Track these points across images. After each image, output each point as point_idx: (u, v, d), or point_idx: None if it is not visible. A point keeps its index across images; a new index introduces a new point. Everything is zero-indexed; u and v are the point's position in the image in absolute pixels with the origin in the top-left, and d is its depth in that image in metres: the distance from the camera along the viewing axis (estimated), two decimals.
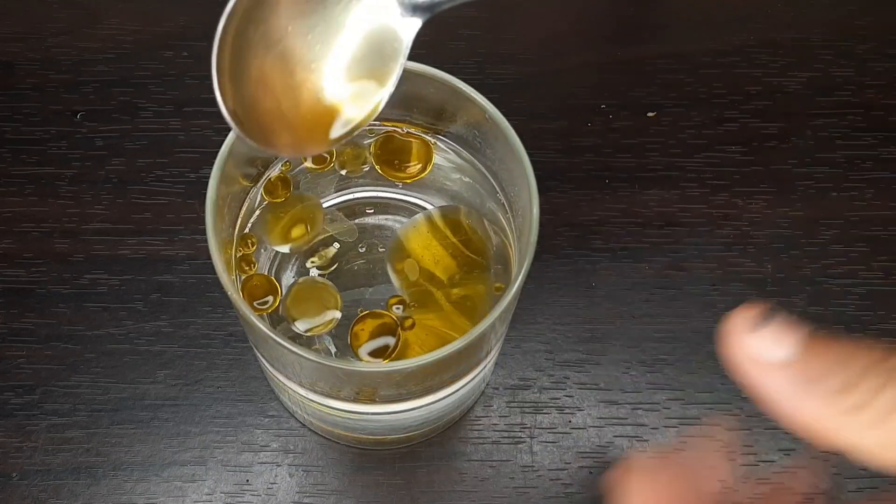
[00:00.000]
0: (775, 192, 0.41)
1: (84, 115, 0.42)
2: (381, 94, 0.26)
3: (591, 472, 0.36)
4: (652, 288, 0.39)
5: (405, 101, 0.30)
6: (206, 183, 0.41)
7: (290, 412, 0.36)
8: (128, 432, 0.36)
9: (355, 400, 0.29)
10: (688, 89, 0.43)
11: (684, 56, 0.44)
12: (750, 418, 0.37)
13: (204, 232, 0.40)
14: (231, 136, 0.28)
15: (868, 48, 0.44)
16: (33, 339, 0.38)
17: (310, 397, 0.29)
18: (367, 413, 0.30)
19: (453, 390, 0.30)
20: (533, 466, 0.36)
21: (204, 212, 0.40)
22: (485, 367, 0.31)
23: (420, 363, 0.25)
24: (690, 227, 0.40)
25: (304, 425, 0.36)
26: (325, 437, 0.36)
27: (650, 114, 0.43)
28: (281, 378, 0.30)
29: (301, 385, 0.29)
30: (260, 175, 0.31)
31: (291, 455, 0.36)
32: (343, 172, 0.32)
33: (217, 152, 0.41)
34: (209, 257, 0.40)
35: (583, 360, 0.38)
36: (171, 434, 0.36)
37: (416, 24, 0.27)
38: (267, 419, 0.36)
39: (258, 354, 0.31)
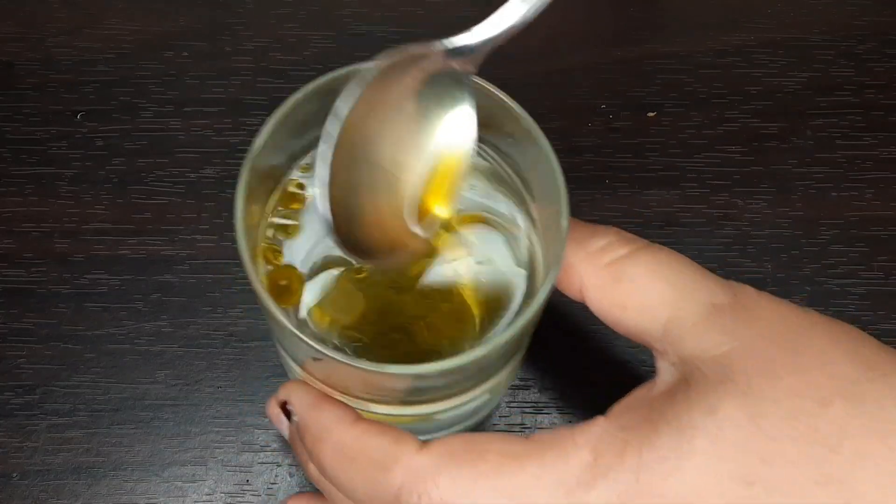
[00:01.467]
0: (775, 192, 0.41)
1: (84, 115, 0.42)
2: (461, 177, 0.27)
3: None
4: None
5: None
6: (207, 183, 0.41)
7: None
8: (128, 432, 0.36)
9: (382, 402, 0.28)
10: (688, 89, 0.43)
11: (684, 56, 0.44)
12: None
13: (205, 232, 0.40)
14: (267, 128, 0.27)
15: (868, 48, 0.44)
16: (33, 339, 0.38)
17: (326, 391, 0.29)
18: (390, 415, 0.30)
19: (470, 398, 0.29)
20: None
21: (204, 211, 0.40)
22: (505, 373, 0.31)
23: (439, 368, 0.25)
24: (690, 227, 0.40)
25: None
26: None
27: (650, 114, 0.43)
28: (302, 374, 0.29)
29: (316, 379, 0.29)
30: (287, 167, 0.30)
31: (292, 455, 0.36)
32: None
33: (217, 152, 0.41)
34: (209, 257, 0.40)
35: (583, 360, 0.38)
36: (172, 434, 0.36)
37: (469, 79, 0.27)
38: (267, 419, 0.36)
39: (282, 353, 0.31)
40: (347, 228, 0.25)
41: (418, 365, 0.25)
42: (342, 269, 0.30)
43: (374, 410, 0.29)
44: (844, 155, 0.42)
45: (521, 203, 0.30)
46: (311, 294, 0.29)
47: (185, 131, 0.42)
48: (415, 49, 0.25)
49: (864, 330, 0.38)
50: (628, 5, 0.46)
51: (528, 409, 0.37)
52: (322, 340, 0.29)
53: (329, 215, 0.24)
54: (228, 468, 0.36)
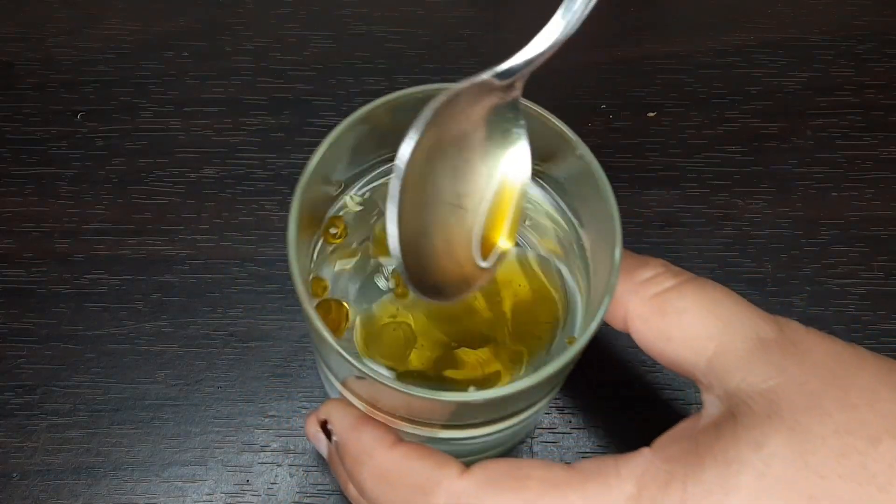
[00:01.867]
0: (775, 192, 0.41)
1: (84, 115, 0.42)
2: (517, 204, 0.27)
3: None
4: None
5: None
6: (207, 183, 0.41)
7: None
8: (128, 432, 0.36)
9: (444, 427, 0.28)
10: (688, 89, 0.43)
11: (684, 56, 0.44)
12: None
13: (205, 232, 0.40)
14: (316, 156, 0.27)
15: (868, 48, 0.44)
16: (33, 339, 0.38)
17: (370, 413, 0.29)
18: (429, 437, 0.29)
19: (506, 426, 0.29)
20: None
21: (204, 211, 0.40)
22: (546, 399, 0.31)
23: (484, 397, 0.25)
24: (690, 227, 0.40)
25: None
26: None
27: (650, 114, 0.43)
28: (344, 393, 0.29)
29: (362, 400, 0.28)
30: (335, 197, 0.30)
31: (292, 455, 0.36)
32: None
33: (217, 152, 0.41)
34: (209, 257, 0.40)
35: (583, 360, 0.38)
36: (172, 434, 0.36)
37: (520, 105, 0.27)
38: (267, 419, 0.36)
39: (325, 371, 0.30)
40: (420, 270, 0.25)
41: (465, 393, 0.25)
42: (388, 303, 0.29)
43: (414, 433, 0.28)
44: (844, 155, 0.42)
45: (573, 230, 0.30)
46: (359, 327, 0.29)
47: (185, 131, 0.42)
48: (463, 84, 0.25)
49: (864, 330, 0.38)
50: (628, 5, 0.46)
51: None
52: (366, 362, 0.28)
53: (402, 264, 0.24)
54: (228, 468, 0.36)
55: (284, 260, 0.39)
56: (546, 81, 0.44)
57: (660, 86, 0.43)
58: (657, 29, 0.45)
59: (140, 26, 0.44)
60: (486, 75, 0.25)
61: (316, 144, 0.44)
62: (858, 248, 0.40)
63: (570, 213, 0.30)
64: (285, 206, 0.40)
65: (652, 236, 0.40)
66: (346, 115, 0.43)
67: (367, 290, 0.30)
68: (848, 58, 0.44)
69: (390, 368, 0.29)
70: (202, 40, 0.44)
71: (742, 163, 0.42)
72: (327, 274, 0.30)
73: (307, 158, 0.42)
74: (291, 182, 0.41)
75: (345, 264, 0.30)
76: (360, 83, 0.43)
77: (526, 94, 0.28)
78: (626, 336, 0.28)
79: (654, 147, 0.42)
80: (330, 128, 0.45)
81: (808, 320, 0.38)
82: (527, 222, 0.31)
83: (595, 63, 0.44)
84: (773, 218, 0.41)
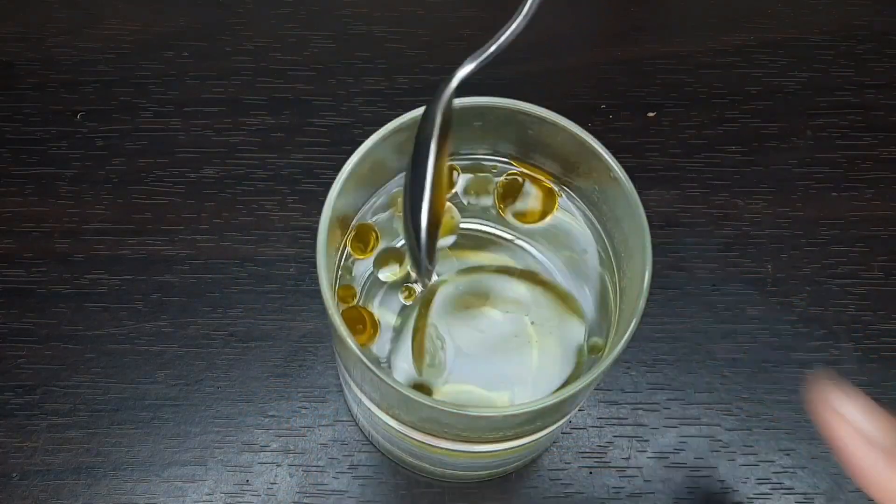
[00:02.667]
0: (775, 192, 0.41)
1: (84, 115, 0.42)
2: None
3: (590, 472, 0.36)
4: (652, 288, 0.39)
5: (534, 147, 0.29)
6: (207, 183, 0.41)
7: (353, 416, 0.36)
8: (128, 432, 0.36)
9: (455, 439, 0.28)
10: (688, 89, 0.43)
11: (684, 56, 0.44)
12: (750, 418, 0.37)
13: (205, 232, 0.40)
14: (350, 163, 0.27)
15: (868, 48, 0.44)
16: (33, 339, 0.38)
17: (388, 422, 0.29)
18: (465, 452, 0.30)
19: (532, 439, 0.29)
20: (533, 466, 0.36)
21: (204, 211, 0.40)
22: (571, 414, 0.31)
23: (507, 413, 0.25)
24: (690, 227, 0.40)
25: (368, 439, 0.36)
26: (385, 455, 0.36)
27: (650, 114, 0.43)
28: (372, 408, 0.29)
29: (379, 407, 0.28)
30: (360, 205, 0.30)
31: (291, 455, 0.36)
32: (465, 202, 0.31)
33: (217, 152, 0.41)
34: (209, 257, 0.40)
35: None
36: (172, 434, 0.36)
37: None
38: (267, 419, 0.37)
39: (346, 376, 0.30)
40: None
41: (490, 408, 0.25)
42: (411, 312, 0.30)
43: (444, 447, 0.29)
44: (844, 155, 0.42)
45: (604, 251, 0.30)
46: (386, 337, 0.29)
47: (185, 131, 0.42)
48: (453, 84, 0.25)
49: (864, 330, 0.38)
50: (628, 5, 0.46)
51: None
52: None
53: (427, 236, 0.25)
54: (228, 468, 0.36)
55: (284, 260, 0.39)
56: (546, 81, 0.44)
57: (660, 86, 0.43)
58: (657, 29, 0.45)
59: (140, 26, 0.44)
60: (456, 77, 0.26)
61: (316, 144, 0.44)
62: (858, 248, 0.40)
63: (601, 231, 0.30)
64: (285, 206, 0.40)
65: (652, 236, 0.40)
66: (346, 115, 0.44)
67: (393, 297, 0.30)
68: (848, 58, 0.44)
69: (427, 380, 0.29)
70: (202, 40, 0.44)
71: (742, 163, 0.42)
72: (355, 282, 0.30)
73: (307, 158, 0.42)
74: (291, 182, 0.41)
75: (379, 273, 0.30)
76: (360, 83, 0.43)
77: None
78: None
79: (654, 147, 0.42)
80: (330, 128, 0.45)
81: (808, 320, 0.39)
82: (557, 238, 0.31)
83: (595, 63, 0.44)
84: (773, 218, 0.41)
